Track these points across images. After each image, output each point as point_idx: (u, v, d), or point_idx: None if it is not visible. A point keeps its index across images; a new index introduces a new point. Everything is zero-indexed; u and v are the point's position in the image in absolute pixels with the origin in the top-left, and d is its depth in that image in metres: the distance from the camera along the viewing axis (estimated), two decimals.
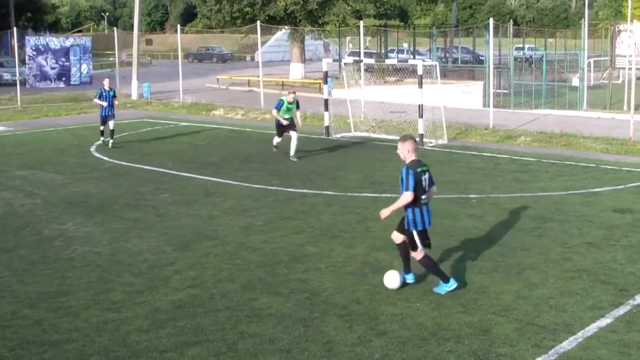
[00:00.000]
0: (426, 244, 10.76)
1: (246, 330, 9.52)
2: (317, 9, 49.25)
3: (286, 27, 53.12)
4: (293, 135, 22.20)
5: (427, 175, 10.62)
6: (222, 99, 42.01)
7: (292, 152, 22.20)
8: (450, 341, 9.11)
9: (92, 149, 25.28)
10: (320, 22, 51.29)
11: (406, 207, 10.53)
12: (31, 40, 45.37)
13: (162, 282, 11.54)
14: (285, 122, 22.26)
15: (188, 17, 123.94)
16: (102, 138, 25.89)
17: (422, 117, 24.76)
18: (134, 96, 43.77)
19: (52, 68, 44.42)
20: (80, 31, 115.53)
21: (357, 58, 35.28)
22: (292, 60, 55.00)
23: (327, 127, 27.29)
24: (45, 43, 44.83)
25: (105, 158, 23.23)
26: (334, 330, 9.47)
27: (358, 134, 27.42)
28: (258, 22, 41.63)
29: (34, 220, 15.67)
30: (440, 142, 25.25)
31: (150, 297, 10.82)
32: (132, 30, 48.38)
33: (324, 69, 27.85)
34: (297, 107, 22.67)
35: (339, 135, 27.06)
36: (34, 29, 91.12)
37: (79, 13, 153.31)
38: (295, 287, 11.12)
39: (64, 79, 44.54)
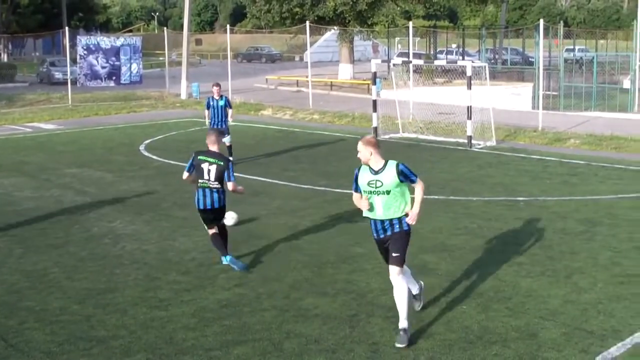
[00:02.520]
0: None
1: (292, 330, 9.54)
2: (366, 9, 49.19)
3: (335, 28, 53.12)
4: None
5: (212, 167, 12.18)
6: (270, 98, 42.12)
7: None
8: (496, 345, 9.05)
9: (142, 147, 25.48)
10: (369, 23, 51.20)
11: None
12: (82, 40, 45.91)
13: (208, 280, 11.60)
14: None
15: (237, 17, 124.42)
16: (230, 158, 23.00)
17: (470, 118, 24.63)
18: (183, 96, 44.04)
19: (103, 67, 44.90)
20: (130, 31, 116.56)
21: (406, 59, 35.21)
22: (341, 61, 54.98)
23: (376, 128, 27.23)
24: (96, 42, 45.34)
25: (155, 157, 23.41)
26: (380, 332, 9.45)
27: (406, 135, 27.34)
28: (307, 23, 41.69)
29: (83, 217, 15.84)
30: (488, 144, 25.08)
31: (197, 295, 10.89)
32: (182, 30, 48.65)
33: (373, 70, 27.80)
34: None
35: (387, 137, 27.00)
36: (85, 28, 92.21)
37: (130, 13, 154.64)
38: (342, 287, 11.12)
39: (114, 78, 45.02)
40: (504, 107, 33.46)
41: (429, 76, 38.07)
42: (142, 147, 25.51)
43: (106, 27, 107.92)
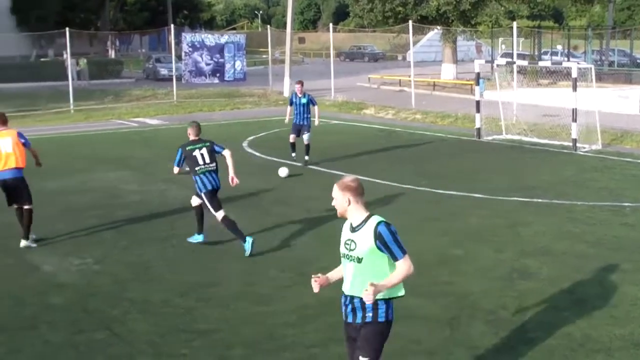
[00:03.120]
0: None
1: (392, 330, 9.51)
2: (469, 9, 48.74)
3: (438, 27, 52.83)
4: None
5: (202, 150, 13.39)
6: (373, 98, 42.10)
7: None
8: (599, 353, 8.87)
9: (244, 144, 25.75)
10: (472, 23, 50.74)
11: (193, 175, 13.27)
12: (187, 37, 46.57)
13: (309, 277, 11.63)
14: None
15: (340, 15, 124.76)
16: (292, 153, 22.03)
17: (575, 121, 24.21)
18: (286, 93, 44.31)
19: (207, 64, 45.49)
20: (234, 29, 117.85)
21: (509, 59, 34.80)
22: (444, 61, 54.63)
23: (479, 129, 26.99)
24: (200, 40, 45.96)
25: (257, 154, 23.64)
26: (480, 335, 9.37)
27: (509, 136, 27.01)
28: (410, 22, 41.54)
29: (187, 211, 16.07)
30: (594, 147, 24.60)
31: (298, 292, 10.96)
32: (285, 28, 48.98)
33: (476, 70, 27.58)
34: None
35: (490, 138, 26.73)
36: (190, 26, 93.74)
37: (234, 11, 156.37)
38: (442, 289, 11.06)
39: (218, 75, 45.59)
40: (610, 110, 32.74)
41: (533, 77, 37.54)
42: (244, 144, 25.78)
43: (210, 25, 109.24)
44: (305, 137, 21.56)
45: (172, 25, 48.76)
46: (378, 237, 6.63)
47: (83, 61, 54.33)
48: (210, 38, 47.04)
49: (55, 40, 77.04)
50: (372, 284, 6.48)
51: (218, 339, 9.31)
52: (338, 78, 45.10)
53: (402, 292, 6.92)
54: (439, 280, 11.45)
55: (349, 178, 6.89)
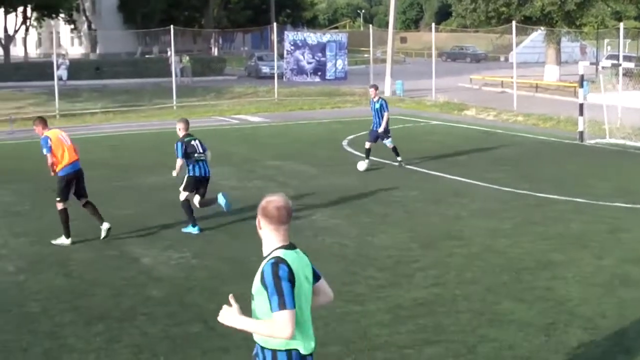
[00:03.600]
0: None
1: (486, 334, 9.42)
2: (574, 9, 47.92)
3: (542, 28, 52.07)
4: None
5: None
6: (474, 99, 41.72)
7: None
8: None
9: (344, 143, 25.80)
10: (577, 24, 49.87)
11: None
12: (290, 36, 46.97)
13: (405, 278, 11.62)
14: None
15: (442, 15, 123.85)
16: (366, 159, 20.89)
17: None
18: (387, 93, 44.27)
19: (309, 63, 45.81)
20: (336, 28, 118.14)
21: (615, 61, 34.09)
22: (547, 62, 53.80)
23: (582, 133, 26.51)
24: (303, 38, 46.30)
25: (357, 153, 23.62)
26: (577, 343, 9.19)
27: (613, 140, 26.44)
28: (513, 22, 41.07)
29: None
30: None
31: (393, 292, 10.93)
32: (387, 27, 48.92)
33: (580, 72, 27.07)
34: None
35: (593, 142, 26.22)
36: (292, 24, 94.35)
37: (336, 10, 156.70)
38: (540, 294, 10.88)
39: (319, 73, 45.86)
40: None
41: (639, 80, 36.66)
42: (344, 143, 25.83)
43: (313, 24, 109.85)
44: (387, 142, 21.13)
45: (274, 24, 49.11)
46: (261, 275, 5.36)
47: (186, 58, 55.16)
48: (312, 37, 47.37)
49: (159, 37, 78.66)
50: (234, 307, 5.45)
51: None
52: (439, 78, 44.83)
53: (303, 349, 5.39)
54: (537, 285, 11.27)
55: (272, 198, 5.61)
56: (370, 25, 54.41)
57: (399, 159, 21.29)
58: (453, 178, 19.64)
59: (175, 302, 10.64)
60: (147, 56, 73.00)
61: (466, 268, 12.11)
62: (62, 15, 77.36)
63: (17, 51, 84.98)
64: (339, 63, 46.32)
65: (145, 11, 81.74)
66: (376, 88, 21.57)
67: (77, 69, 55.30)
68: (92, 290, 11.27)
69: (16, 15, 70.29)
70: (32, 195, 18.17)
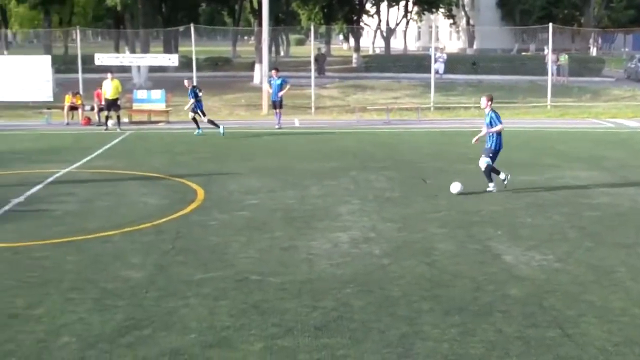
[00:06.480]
0: None
1: None
2: None
3: None
4: None
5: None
6: None
7: None
8: None
9: None
10: None
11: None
12: None
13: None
14: None
15: None
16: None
17: None
18: None
19: None
20: None
21: None
22: None
23: None
24: None
25: None
26: None
27: None
28: None
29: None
30: None
31: None
32: None
33: None
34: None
35: None
36: None
37: None
38: None
39: None
40: None
41: None
42: None
43: None
44: (480, 162, 17.96)
45: None
46: None
47: (564, 57, 54.24)
48: None
49: (537, 35, 78.04)
50: None
51: None
52: None
53: None
54: None
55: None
56: None
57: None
58: None
59: (533, 304, 10.54)
60: (523, 53, 72.76)
61: None
62: (442, 10, 79.33)
63: (397, 43, 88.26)
64: None
65: (525, 8, 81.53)
66: (491, 99, 18.66)
67: (453, 63, 56.54)
68: (453, 281, 11.44)
69: (398, 9, 72.88)
70: (403, 183, 18.84)
